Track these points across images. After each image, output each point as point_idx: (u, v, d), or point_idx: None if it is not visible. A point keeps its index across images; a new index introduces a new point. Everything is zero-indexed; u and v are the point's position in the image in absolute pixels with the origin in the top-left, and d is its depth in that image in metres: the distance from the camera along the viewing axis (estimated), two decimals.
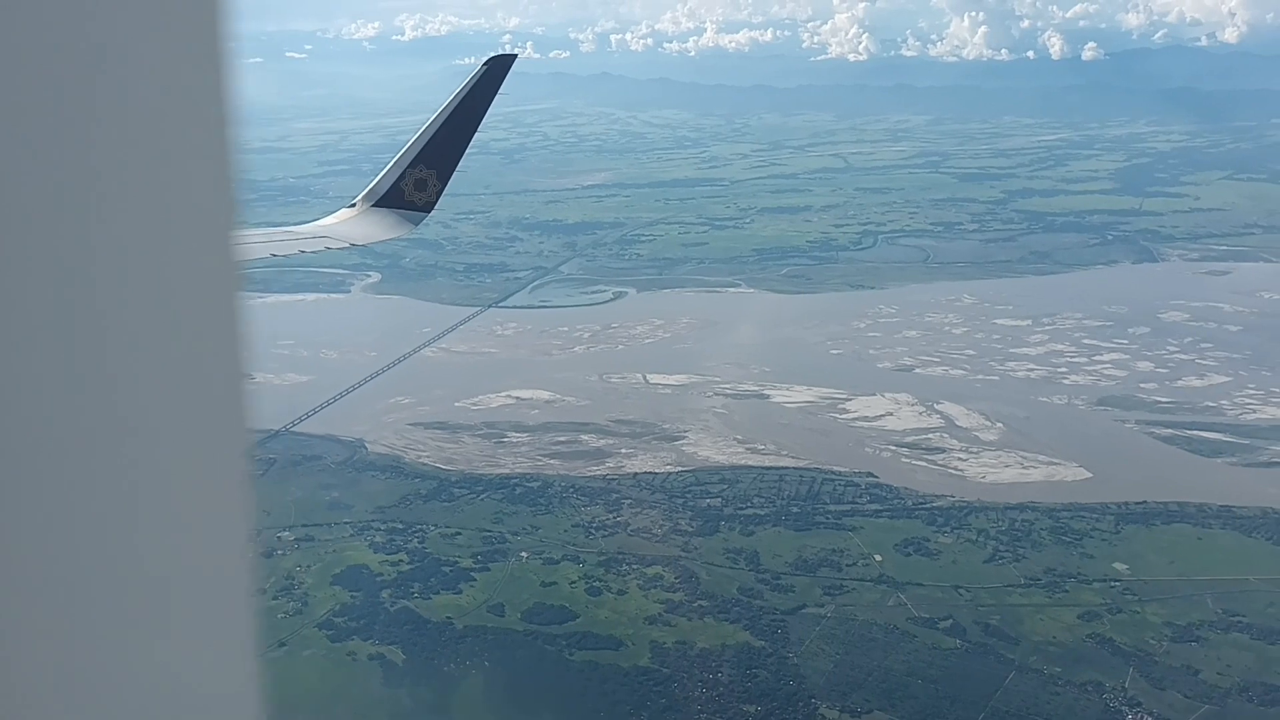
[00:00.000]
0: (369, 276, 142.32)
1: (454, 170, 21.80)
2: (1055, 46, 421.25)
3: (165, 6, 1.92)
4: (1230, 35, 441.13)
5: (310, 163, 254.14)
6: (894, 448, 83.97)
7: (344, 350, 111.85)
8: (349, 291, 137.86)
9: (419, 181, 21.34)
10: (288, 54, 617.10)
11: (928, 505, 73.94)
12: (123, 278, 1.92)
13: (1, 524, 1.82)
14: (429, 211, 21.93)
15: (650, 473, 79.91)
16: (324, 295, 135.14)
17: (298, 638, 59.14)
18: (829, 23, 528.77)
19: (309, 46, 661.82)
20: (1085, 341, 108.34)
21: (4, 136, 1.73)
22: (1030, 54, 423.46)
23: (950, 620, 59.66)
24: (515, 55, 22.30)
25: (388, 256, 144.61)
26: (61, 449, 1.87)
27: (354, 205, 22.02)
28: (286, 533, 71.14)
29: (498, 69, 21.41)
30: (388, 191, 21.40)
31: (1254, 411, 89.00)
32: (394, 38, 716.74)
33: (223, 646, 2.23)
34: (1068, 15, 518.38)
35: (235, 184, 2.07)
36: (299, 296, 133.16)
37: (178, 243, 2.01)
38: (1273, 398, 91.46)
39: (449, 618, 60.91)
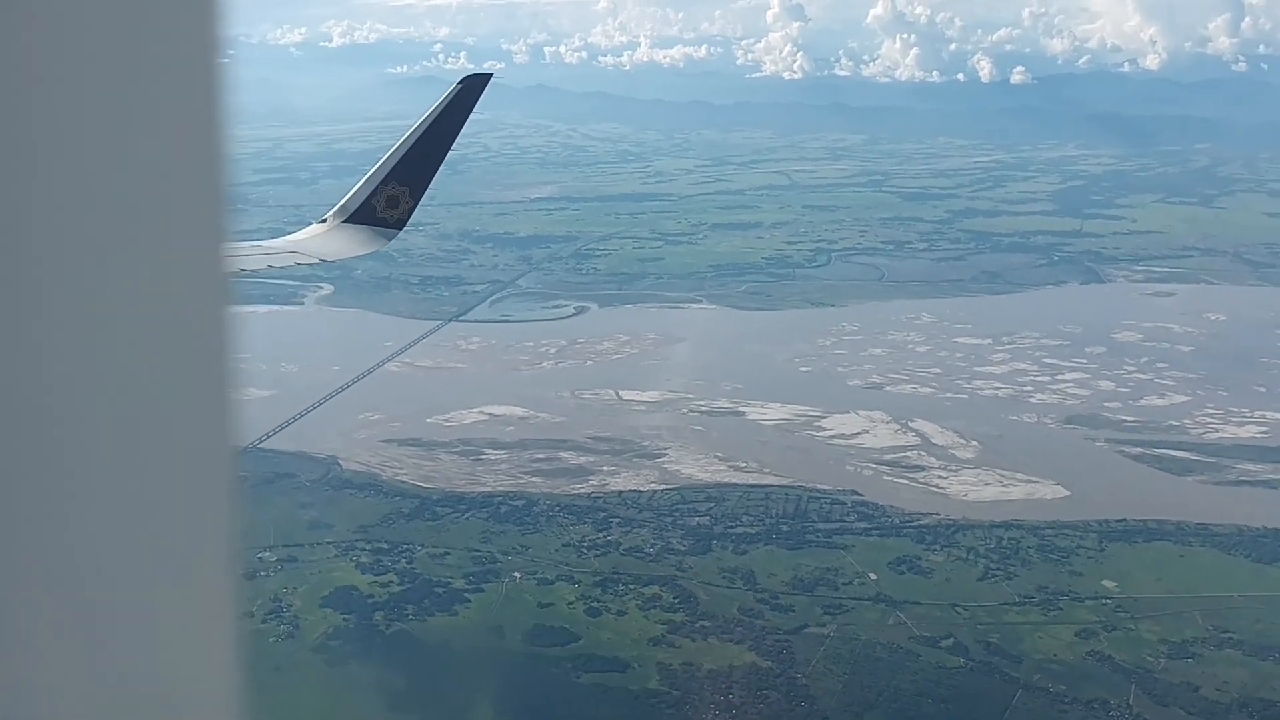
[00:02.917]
0: (321, 288, 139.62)
1: (427, 188, 21.63)
2: (985, 69, 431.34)
3: (159, 14, 1.95)
4: (1151, 62, 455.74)
5: (245, 171, 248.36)
6: (874, 465, 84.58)
7: (304, 364, 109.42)
8: (302, 304, 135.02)
9: (391, 198, 21.06)
10: None
11: (915, 523, 74.54)
12: (114, 287, 1.96)
13: None
14: (400, 229, 21.65)
15: (635, 491, 79.37)
16: (276, 308, 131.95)
17: (292, 663, 57.35)
18: (763, 41, 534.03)
19: (233, 51, 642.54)
20: (1046, 360, 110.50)
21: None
22: (960, 76, 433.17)
23: (952, 639, 60.04)
24: (490, 74, 22.31)
25: (339, 268, 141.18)
26: (48, 456, 1.92)
27: (324, 220, 21.62)
28: (268, 553, 69.06)
29: (473, 88, 21.39)
30: (359, 208, 21.17)
31: (1216, 431, 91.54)
32: (321, 44, 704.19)
33: (205, 658, 2.25)
34: (994, 39, 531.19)
35: (227, 193, 2.13)
36: (250, 309, 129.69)
37: (170, 252, 2.06)
38: (1233, 417, 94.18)
39: (448, 640, 59.65)
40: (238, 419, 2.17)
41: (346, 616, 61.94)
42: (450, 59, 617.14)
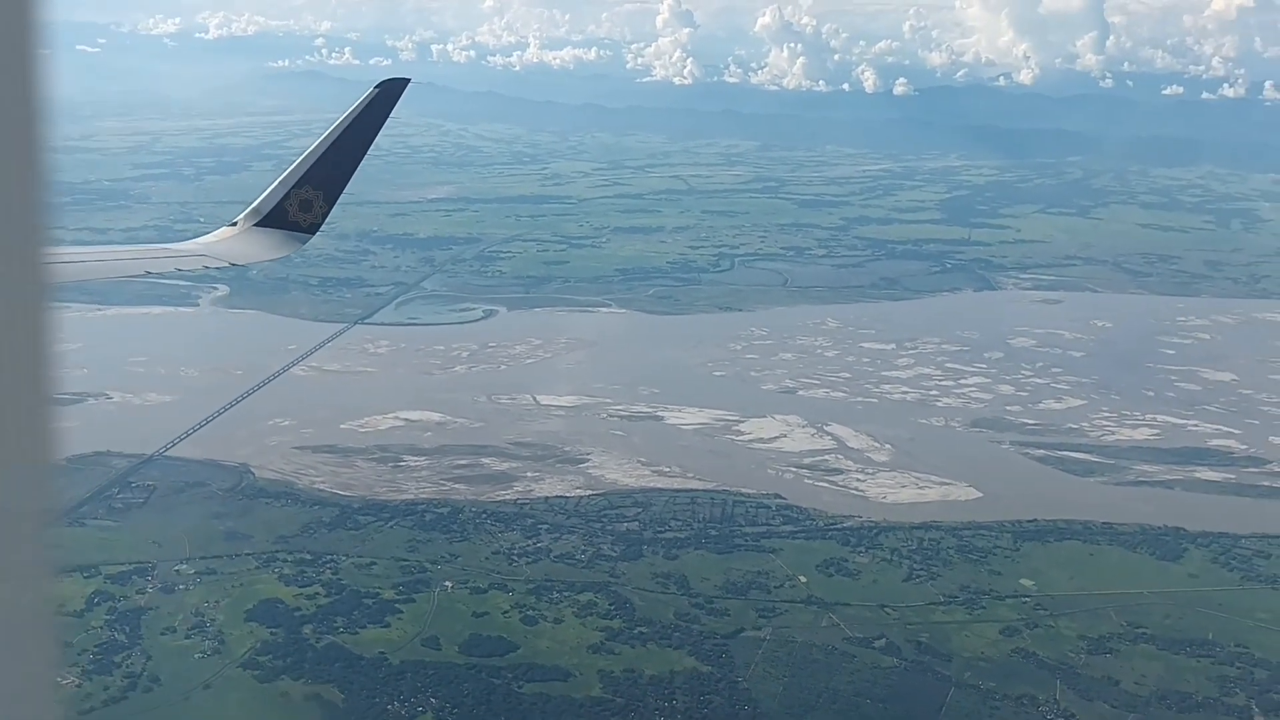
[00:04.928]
0: (216, 289, 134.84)
1: (341, 192, 21.47)
2: (869, 80, 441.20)
3: None
4: (1025, 77, 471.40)
5: (124, 165, 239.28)
6: (795, 469, 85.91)
7: (205, 368, 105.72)
8: (197, 305, 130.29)
9: (304, 202, 20.83)
10: (79, 47, 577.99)
11: (839, 526, 75.98)
12: None
13: None
14: (314, 233, 21.42)
15: (561, 496, 79.00)
16: (171, 309, 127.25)
17: (222, 679, 55.44)
18: (653, 45, 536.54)
19: (102, 40, 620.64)
20: (948, 365, 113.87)
21: None
22: (846, 86, 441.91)
23: (884, 639, 61.38)
24: (408, 80, 22.34)
25: (233, 268, 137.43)
26: None
27: (234, 224, 21.26)
28: (185, 566, 66.62)
29: (390, 92, 21.33)
30: (271, 211, 20.89)
31: (1113, 433, 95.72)
32: (197, 35, 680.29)
33: (24, 664, 2.22)
34: (876, 50, 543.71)
35: (45, 190, 2.02)
36: (144, 310, 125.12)
37: None
38: (1126, 420, 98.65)
39: (382, 653, 58.34)
40: (55, 429, 2.08)
41: (274, 630, 60.02)
42: (334, 54, 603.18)
